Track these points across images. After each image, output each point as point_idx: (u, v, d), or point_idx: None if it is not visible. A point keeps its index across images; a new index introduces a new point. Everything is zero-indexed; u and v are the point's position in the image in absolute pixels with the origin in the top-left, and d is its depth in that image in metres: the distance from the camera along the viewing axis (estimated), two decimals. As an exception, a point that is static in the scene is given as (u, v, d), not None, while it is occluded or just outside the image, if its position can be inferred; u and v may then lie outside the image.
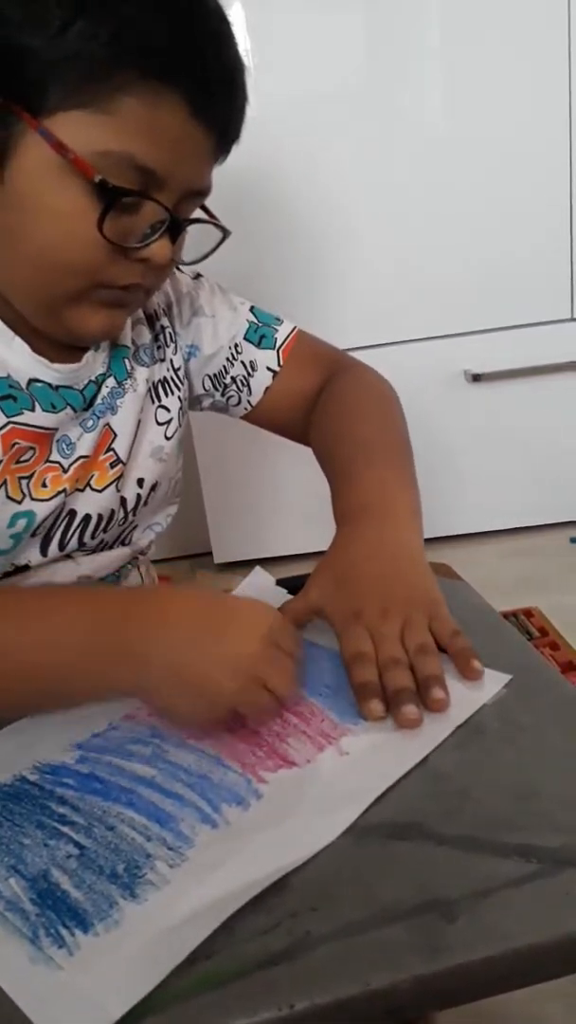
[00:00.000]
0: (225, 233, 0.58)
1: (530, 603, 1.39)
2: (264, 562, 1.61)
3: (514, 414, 1.56)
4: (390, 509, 0.58)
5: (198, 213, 0.57)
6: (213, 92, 0.50)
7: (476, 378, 1.51)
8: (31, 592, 0.58)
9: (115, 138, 0.48)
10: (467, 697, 0.48)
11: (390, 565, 0.55)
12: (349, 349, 1.60)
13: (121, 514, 0.65)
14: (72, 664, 0.48)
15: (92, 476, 0.62)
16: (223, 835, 0.40)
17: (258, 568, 0.65)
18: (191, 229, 0.56)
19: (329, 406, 0.71)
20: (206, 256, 0.59)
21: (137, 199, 0.50)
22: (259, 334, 0.74)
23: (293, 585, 0.58)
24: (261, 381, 0.74)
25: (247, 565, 1.65)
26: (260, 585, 0.63)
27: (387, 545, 0.56)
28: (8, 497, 0.56)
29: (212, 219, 0.58)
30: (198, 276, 0.75)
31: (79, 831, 0.42)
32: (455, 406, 1.55)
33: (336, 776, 0.44)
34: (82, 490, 0.61)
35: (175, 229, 0.52)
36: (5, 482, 0.56)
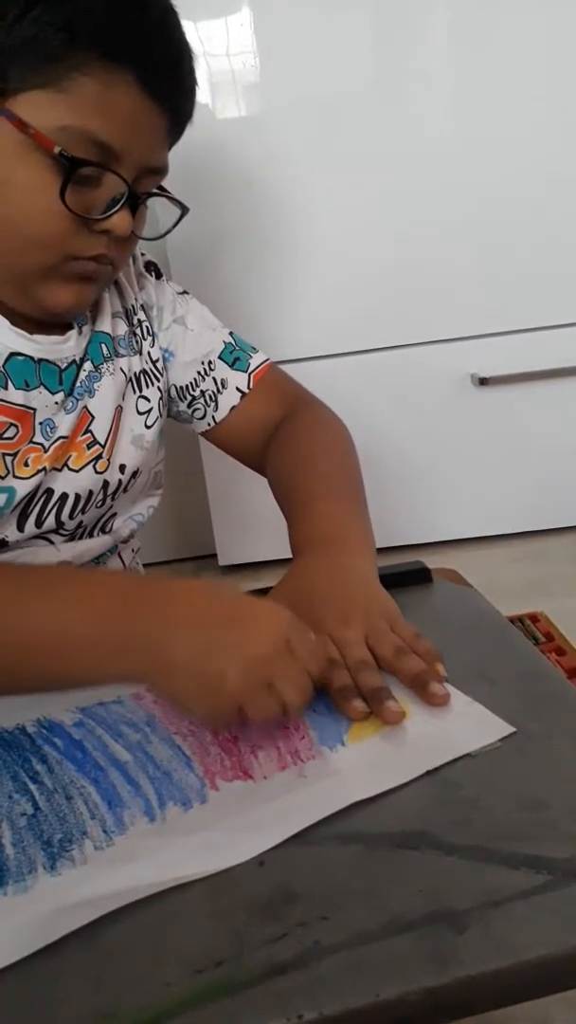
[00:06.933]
0: (184, 210, 0.62)
1: (536, 608, 1.39)
2: (268, 565, 1.62)
3: (521, 418, 1.56)
4: (344, 540, 0.60)
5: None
6: (161, 72, 0.54)
7: (483, 382, 1.50)
8: (38, 569, 0.59)
9: (72, 114, 0.52)
10: (453, 740, 0.46)
11: (344, 584, 0.56)
12: (355, 353, 1.61)
13: (100, 496, 0.67)
14: (79, 648, 0.48)
15: (69, 456, 0.65)
16: (154, 830, 0.41)
17: None
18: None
19: (288, 440, 0.73)
20: (168, 232, 0.64)
21: (96, 172, 0.54)
22: (234, 356, 0.77)
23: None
24: (228, 400, 0.76)
25: (252, 568, 1.66)
26: None
27: (342, 570, 0.58)
28: None
29: (169, 195, 0.61)
30: (184, 292, 0.78)
31: (43, 793, 0.44)
32: (462, 410, 1.54)
33: (280, 799, 0.43)
34: (59, 469, 0.64)
35: (134, 202, 0.57)
36: None
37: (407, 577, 0.65)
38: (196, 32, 1.29)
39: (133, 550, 0.77)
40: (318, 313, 1.47)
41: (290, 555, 0.62)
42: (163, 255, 1.37)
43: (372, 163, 1.38)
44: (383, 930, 0.34)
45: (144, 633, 0.47)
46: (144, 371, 0.71)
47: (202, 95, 1.31)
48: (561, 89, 1.36)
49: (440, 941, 0.33)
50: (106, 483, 0.67)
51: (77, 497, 0.65)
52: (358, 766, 0.44)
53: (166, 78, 0.55)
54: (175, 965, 0.34)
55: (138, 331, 0.71)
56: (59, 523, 0.65)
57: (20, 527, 0.63)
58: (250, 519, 1.58)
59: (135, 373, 0.70)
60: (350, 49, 1.33)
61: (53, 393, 0.63)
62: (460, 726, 0.47)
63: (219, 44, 1.31)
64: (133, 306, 0.71)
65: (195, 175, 1.33)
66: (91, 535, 0.69)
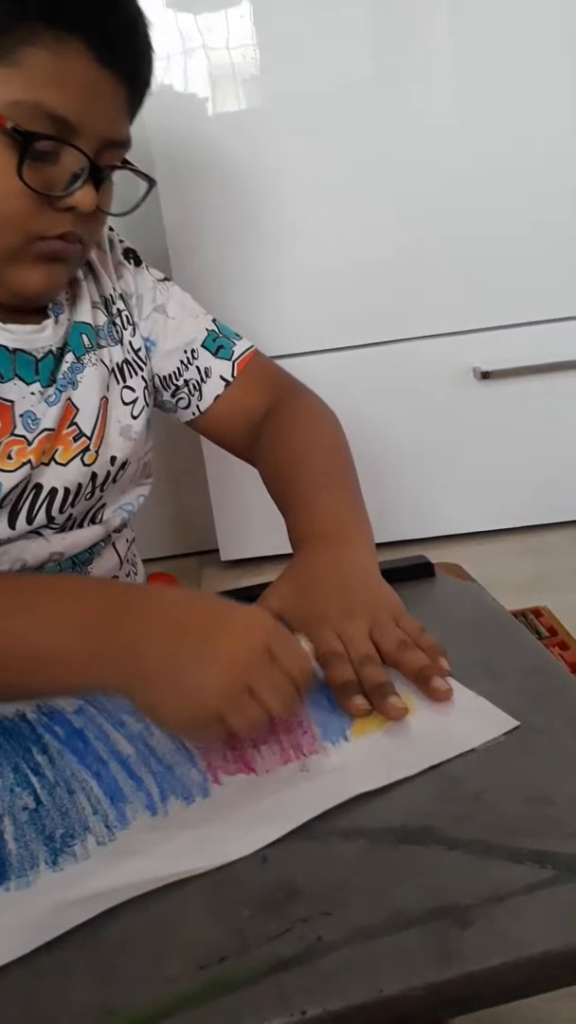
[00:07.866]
0: (151, 183, 0.61)
1: (539, 602, 1.39)
2: (270, 560, 1.62)
3: (523, 412, 1.55)
4: (345, 534, 0.60)
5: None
6: (115, 39, 0.53)
7: (485, 376, 1.50)
8: (14, 579, 0.59)
9: (24, 88, 0.50)
10: (457, 734, 0.45)
11: (347, 579, 0.56)
12: (359, 346, 1.60)
13: (89, 489, 0.66)
14: (52, 659, 0.46)
15: (56, 450, 0.64)
16: (156, 824, 0.41)
17: None
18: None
19: (280, 432, 0.72)
20: (135, 207, 0.62)
21: (54, 147, 0.53)
22: (217, 344, 0.76)
23: (251, 595, 0.57)
24: (213, 389, 0.75)
25: (254, 563, 1.66)
26: None
27: (344, 564, 0.57)
28: None
29: (134, 168, 0.60)
30: (165, 279, 0.77)
31: (44, 786, 0.44)
32: (464, 404, 1.54)
33: (282, 793, 0.42)
34: (47, 464, 0.63)
35: (97, 177, 0.55)
36: None
37: (410, 572, 0.65)
38: (196, 24, 1.28)
39: (127, 540, 0.77)
40: (320, 307, 1.47)
41: (292, 549, 0.62)
42: (163, 247, 1.36)
43: (372, 156, 1.38)
44: (386, 925, 0.34)
45: (118, 642, 0.45)
46: (127, 361, 0.71)
47: (202, 88, 1.32)
48: (564, 81, 1.35)
49: (443, 936, 0.33)
50: (95, 475, 0.67)
51: (66, 491, 0.65)
52: (361, 761, 0.44)
53: (119, 45, 0.53)
54: (178, 961, 0.34)
55: (118, 320, 0.71)
56: (49, 517, 0.64)
57: (11, 524, 0.62)
58: (252, 514, 1.58)
59: (117, 363, 0.70)
60: (350, 42, 1.32)
61: (28, 384, 0.62)
62: (464, 721, 0.46)
63: (219, 37, 1.30)
64: (111, 295, 0.71)
65: (195, 167, 1.32)
66: (81, 526, 0.68)
